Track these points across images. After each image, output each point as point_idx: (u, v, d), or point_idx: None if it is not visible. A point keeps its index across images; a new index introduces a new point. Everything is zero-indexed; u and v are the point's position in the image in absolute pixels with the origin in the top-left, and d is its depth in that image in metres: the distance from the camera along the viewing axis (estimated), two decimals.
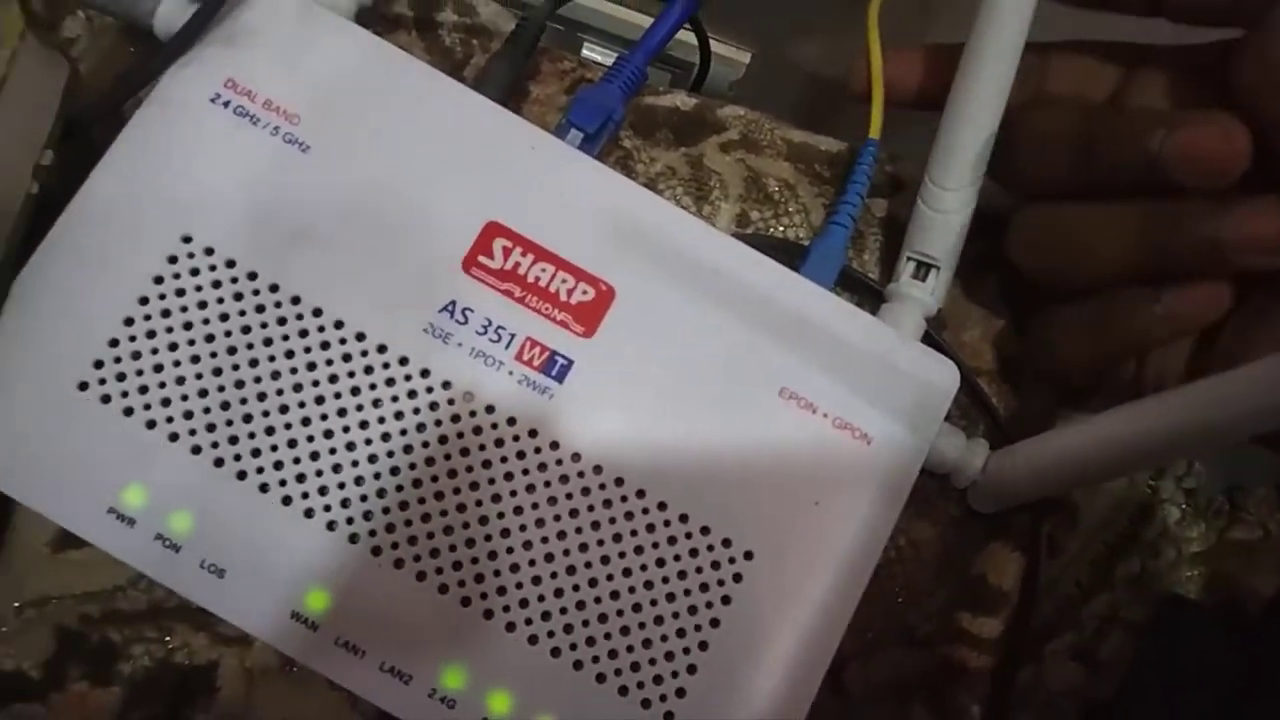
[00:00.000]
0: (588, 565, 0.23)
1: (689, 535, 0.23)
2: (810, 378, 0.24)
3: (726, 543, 0.23)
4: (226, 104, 0.24)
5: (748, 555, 0.23)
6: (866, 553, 0.24)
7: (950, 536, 0.27)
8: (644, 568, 0.23)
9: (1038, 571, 0.25)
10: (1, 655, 0.24)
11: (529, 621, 0.22)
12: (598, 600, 0.23)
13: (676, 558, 0.23)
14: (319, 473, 0.23)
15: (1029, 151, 0.25)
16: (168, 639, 0.25)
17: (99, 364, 0.22)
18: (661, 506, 0.23)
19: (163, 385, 0.23)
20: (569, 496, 0.23)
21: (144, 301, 0.23)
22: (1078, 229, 0.24)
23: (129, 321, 0.23)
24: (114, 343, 0.23)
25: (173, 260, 0.23)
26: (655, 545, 0.23)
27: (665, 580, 0.23)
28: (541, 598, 0.23)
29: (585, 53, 0.50)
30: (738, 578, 0.23)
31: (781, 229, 0.30)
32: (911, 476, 0.24)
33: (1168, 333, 0.24)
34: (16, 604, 0.25)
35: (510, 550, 0.23)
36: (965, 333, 0.30)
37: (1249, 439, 0.19)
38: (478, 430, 0.23)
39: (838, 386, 0.24)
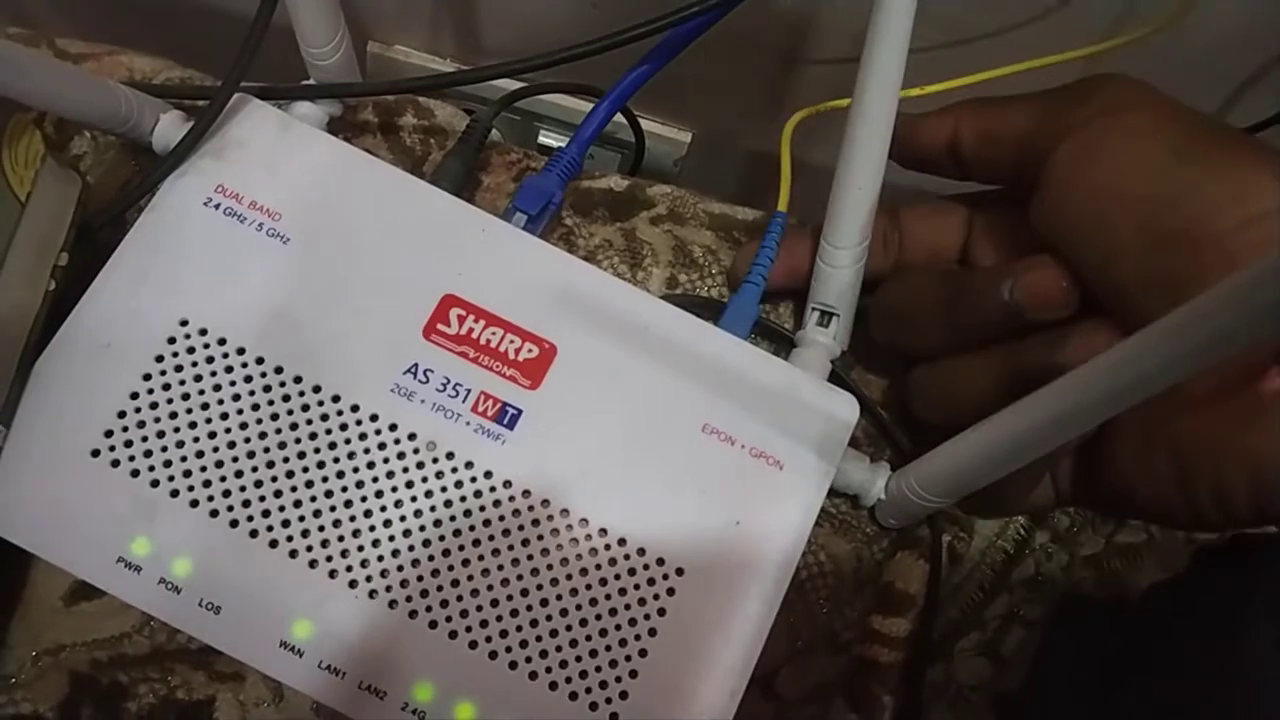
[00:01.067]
0: (539, 587, 0.26)
1: (627, 556, 0.27)
2: (728, 415, 0.28)
3: (660, 561, 0.27)
4: (218, 206, 0.28)
5: (679, 571, 0.27)
6: (784, 564, 0.27)
7: (864, 551, 0.30)
8: (588, 586, 0.26)
9: (939, 575, 0.29)
10: (20, 700, 0.27)
11: (489, 639, 0.26)
12: (549, 617, 0.26)
13: (617, 576, 0.27)
14: (301, 518, 0.26)
15: (903, 325, 0.30)
16: (170, 678, 0.28)
17: (108, 433, 0.26)
18: (602, 532, 0.27)
19: (164, 449, 0.26)
20: (520, 528, 0.27)
21: (147, 378, 0.27)
22: (956, 382, 0.28)
23: (134, 395, 0.26)
24: (121, 414, 0.26)
25: (171, 341, 0.27)
26: (598, 566, 0.26)
27: (608, 596, 0.26)
28: (499, 617, 0.26)
29: (541, 139, 0.55)
30: (671, 592, 0.27)
31: (706, 289, 0.34)
32: (821, 496, 0.28)
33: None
34: (34, 653, 0.28)
35: (470, 577, 0.26)
36: (873, 369, 0.34)
37: None
38: (439, 475, 0.27)
39: (752, 421, 0.28)
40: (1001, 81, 0.33)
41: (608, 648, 0.26)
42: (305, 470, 0.26)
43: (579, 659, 0.26)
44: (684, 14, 0.29)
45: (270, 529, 0.26)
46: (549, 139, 0.55)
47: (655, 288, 0.35)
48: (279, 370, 0.27)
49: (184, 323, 0.27)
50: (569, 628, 0.26)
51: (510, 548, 0.26)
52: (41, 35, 0.33)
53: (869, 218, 0.30)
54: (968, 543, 0.30)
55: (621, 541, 0.27)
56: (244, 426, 0.27)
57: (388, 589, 0.26)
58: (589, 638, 0.26)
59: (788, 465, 0.28)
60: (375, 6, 0.49)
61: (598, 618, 0.26)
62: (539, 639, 0.26)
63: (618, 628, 0.26)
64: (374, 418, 0.27)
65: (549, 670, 0.26)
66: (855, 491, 0.29)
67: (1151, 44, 0.34)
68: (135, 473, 0.26)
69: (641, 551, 0.27)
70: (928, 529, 0.30)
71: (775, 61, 0.49)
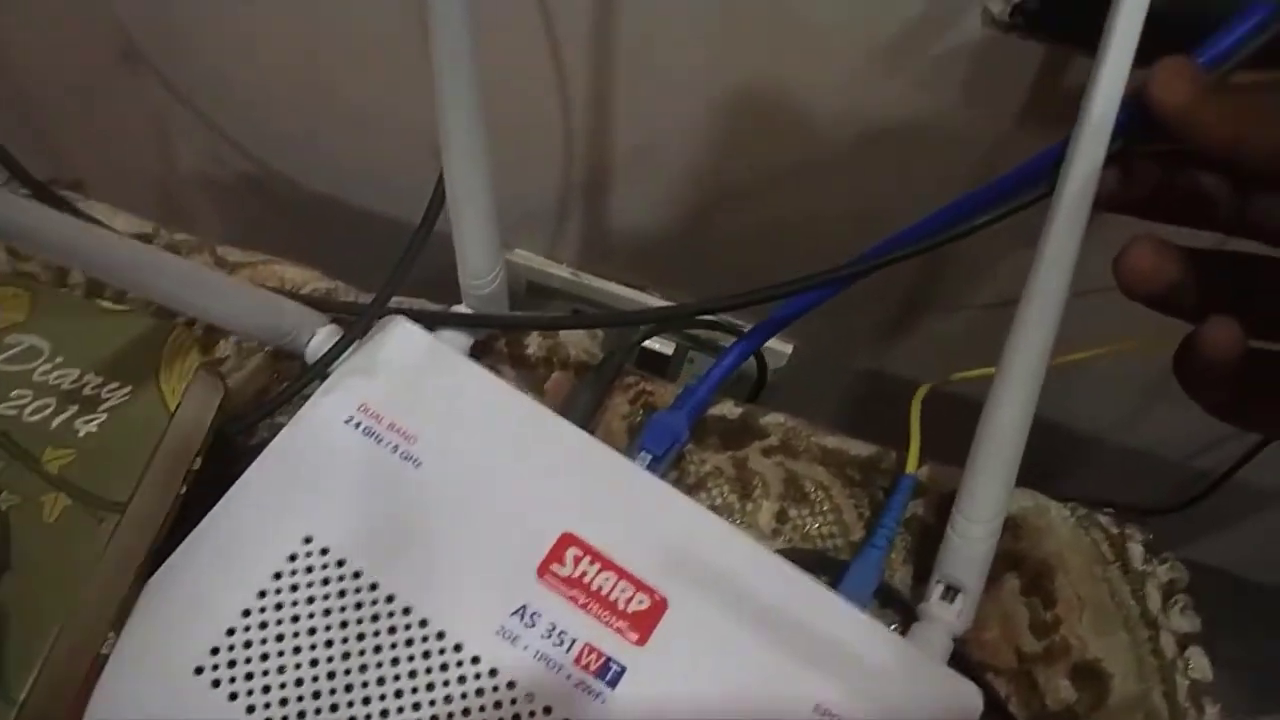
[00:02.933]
0: None
1: None
2: (843, 697, 0.26)
3: None
4: (358, 425, 0.29)
5: None
6: None
7: None
8: None
9: None
10: None
11: None
12: None
13: None
14: None
15: None
16: None
17: (215, 650, 0.26)
18: None
19: (265, 673, 0.26)
20: None
21: (262, 595, 0.26)
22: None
23: (246, 613, 0.26)
24: (231, 631, 0.26)
25: (293, 559, 0.27)
26: None
27: None
28: None
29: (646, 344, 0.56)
30: None
31: (817, 525, 0.33)
32: None
33: None
34: None
35: None
36: (986, 632, 0.32)
37: None
38: None
39: (869, 705, 0.26)
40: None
41: None
42: (400, 711, 0.25)
43: None
44: (845, 272, 0.29)
45: None
46: (653, 344, 0.56)
47: (764, 520, 0.34)
48: (390, 599, 0.27)
49: (308, 540, 0.27)
50: None
51: None
52: (204, 243, 0.36)
53: (1007, 492, 0.29)
54: None
55: None
56: (346, 657, 0.26)
57: None
58: None
59: None
60: (500, 214, 0.52)
61: None
62: None
63: None
64: (475, 660, 0.26)
65: None
66: None
67: None
68: (234, 695, 0.25)
69: None
70: None
71: (878, 294, 0.49)
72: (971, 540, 0.29)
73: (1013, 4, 0.31)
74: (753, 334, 0.32)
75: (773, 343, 0.57)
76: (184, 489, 0.27)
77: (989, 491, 0.29)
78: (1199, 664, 0.33)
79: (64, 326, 0.27)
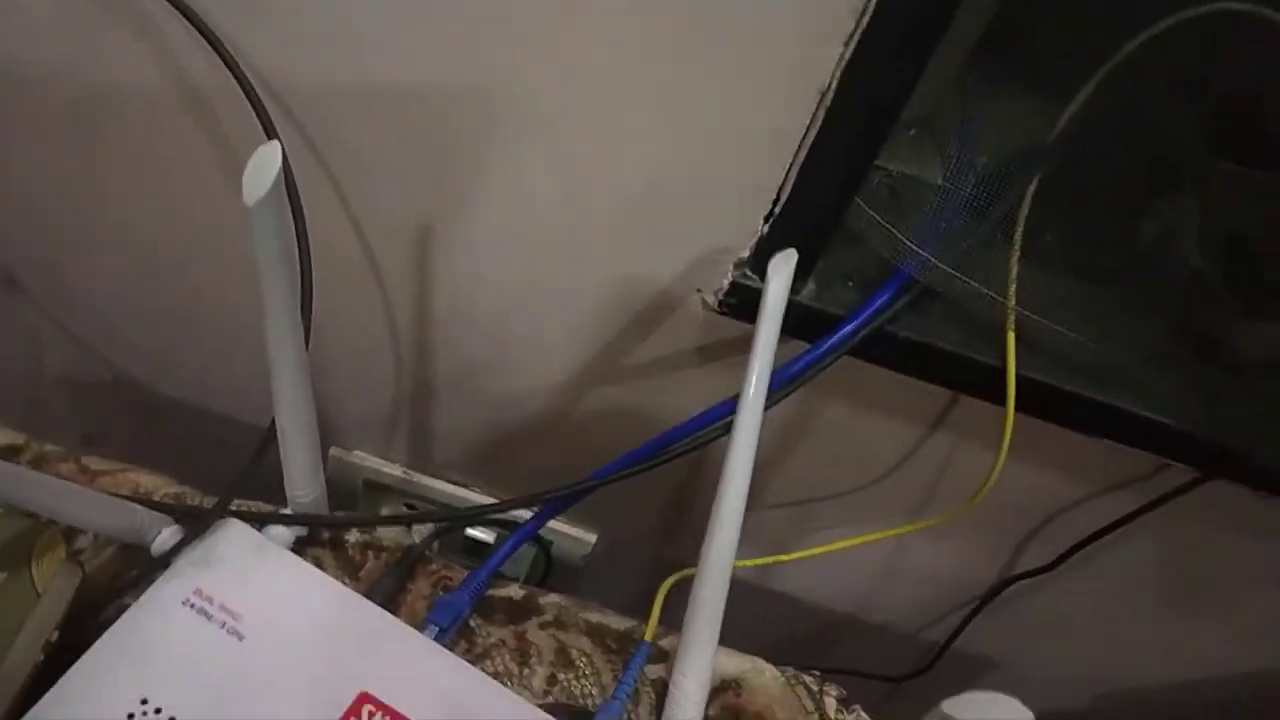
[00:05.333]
0: None
1: None
2: None
3: None
4: (193, 606, 0.36)
5: None
6: None
7: None
8: None
9: None
10: None
11: None
12: None
13: None
14: None
15: None
16: None
17: None
18: None
19: None
20: None
21: None
22: None
23: None
24: None
25: (130, 717, 0.33)
26: None
27: None
28: None
29: (469, 532, 0.64)
30: None
31: (581, 686, 0.41)
32: None
33: None
34: None
35: None
36: None
37: None
38: None
39: None
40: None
41: None
42: None
43: None
44: (572, 488, 0.40)
45: None
46: (476, 531, 0.64)
47: (538, 683, 0.41)
48: None
49: (144, 701, 0.33)
50: None
51: None
52: (70, 453, 0.43)
53: (711, 652, 0.38)
54: None
55: None
56: None
57: None
58: None
59: None
60: (339, 420, 0.60)
61: None
62: None
63: None
64: None
65: None
66: None
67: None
68: None
69: None
70: None
71: (669, 492, 0.60)
72: (685, 690, 0.38)
73: (720, 299, 0.44)
74: (518, 531, 0.42)
75: (577, 532, 0.66)
76: (42, 656, 0.33)
77: (697, 652, 0.38)
78: None
79: None
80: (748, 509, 0.38)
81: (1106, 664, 0.68)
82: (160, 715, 0.33)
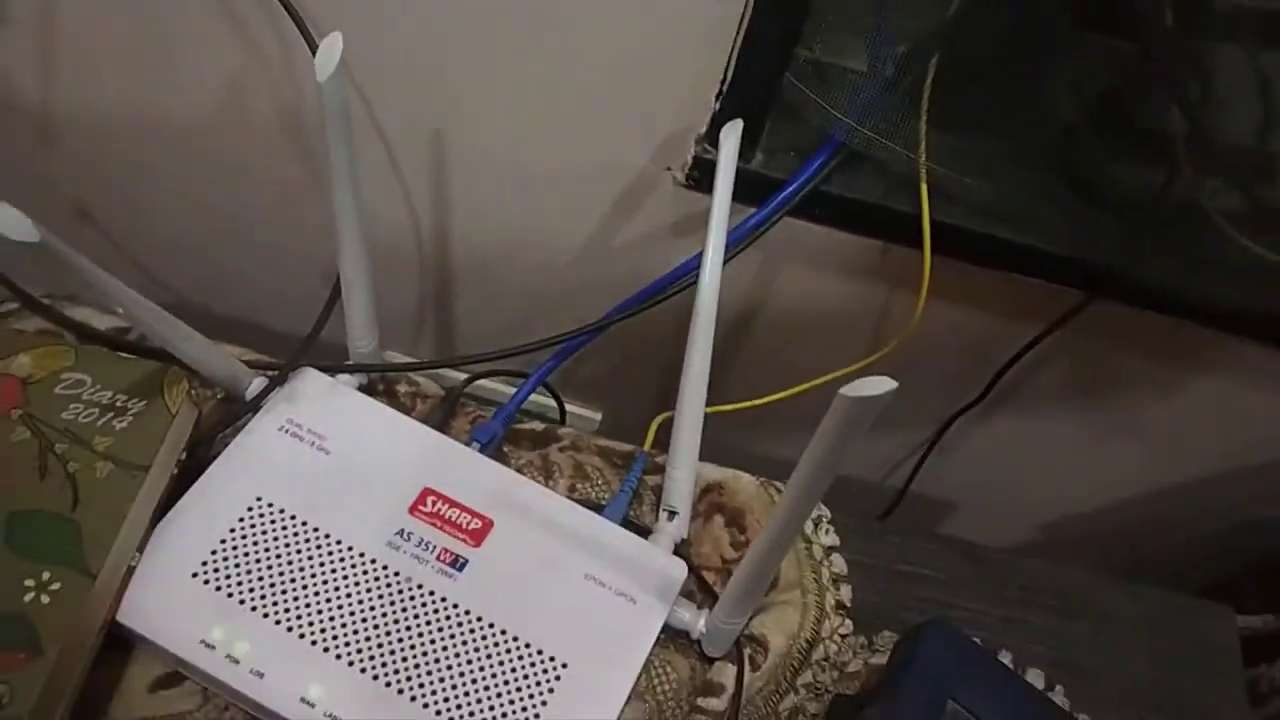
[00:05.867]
0: (472, 669, 0.40)
1: (533, 654, 0.41)
2: (602, 569, 0.44)
3: (553, 659, 0.41)
4: (287, 430, 0.45)
5: (564, 665, 0.41)
6: (627, 672, 0.42)
7: (695, 664, 0.45)
8: (510, 670, 0.41)
9: (743, 672, 0.44)
10: None
11: (433, 701, 0.39)
12: (480, 690, 0.40)
13: (527, 667, 0.41)
14: (321, 623, 0.40)
15: None
16: None
17: (204, 563, 0.41)
18: (514, 638, 0.41)
19: (238, 574, 0.41)
20: (462, 633, 0.41)
21: (232, 531, 0.42)
22: None
23: (223, 541, 0.42)
24: (213, 552, 0.41)
25: (249, 509, 0.43)
26: (513, 661, 0.41)
27: (516, 681, 0.40)
28: (440, 685, 0.40)
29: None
30: (558, 678, 0.41)
31: (595, 494, 0.52)
32: (660, 621, 0.43)
33: None
34: None
35: (424, 653, 0.40)
36: (704, 549, 0.50)
37: None
38: (413, 598, 0.42)
39: (617, 574, 0.44)
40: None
41: (513, 709, 0.40)
42: (325, 588, 0.41)
43: (481, 713, 0.39)
44: (574, 333, 0.50)
45: (302, 626, 0.40)
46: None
47: (561, 491, 0.51)
48: (315, 530, 0.43)
49: (259, 498, 0.43)
50: (488, 690, 0.40)
51: (454, 641, 0.41)
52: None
53: (695, 449, 0.48)
54: (765, 656, 0.45)
55: (527, 645, 0.41)
56: (290, 561, 0.42)
57: (371, 665, 0.40)
58: (499, 697, 0.40)
59: (640, 601, 0.44)
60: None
61: (507, 685, 0.40)
62: (473, 701, 0.40)
63: (519, 693, 0.40)
64: (373, 561, 0.42)
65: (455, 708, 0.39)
66: (685, 627, 0.45)
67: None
68: (218, 588, 0.40)
69: (540, 652, 0.41)
70: (735, 646, 0.45)
71: (655, 368, 0.70)
72: (677, 481, 0.49)
73: (686, 173, 0.54)
74: (538, 370, 0.52)
75: (585, 411, 0.76)
76: (175, 469, 0.43)
77: (685, 451, 0.48)
78: (837, 562, 0.53)
79: (98, 367, 0.43)
80: (718, 365, 0.48)
81: (1045, 494, 0.78)
82: (272, 507, 0.43)
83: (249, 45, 0.53)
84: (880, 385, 0.29)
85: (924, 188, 0.52)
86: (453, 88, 0.52)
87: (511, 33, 0.48)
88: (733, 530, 0.52)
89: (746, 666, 0.45)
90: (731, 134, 0.47)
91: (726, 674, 0.45)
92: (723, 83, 0.48)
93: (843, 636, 0.49)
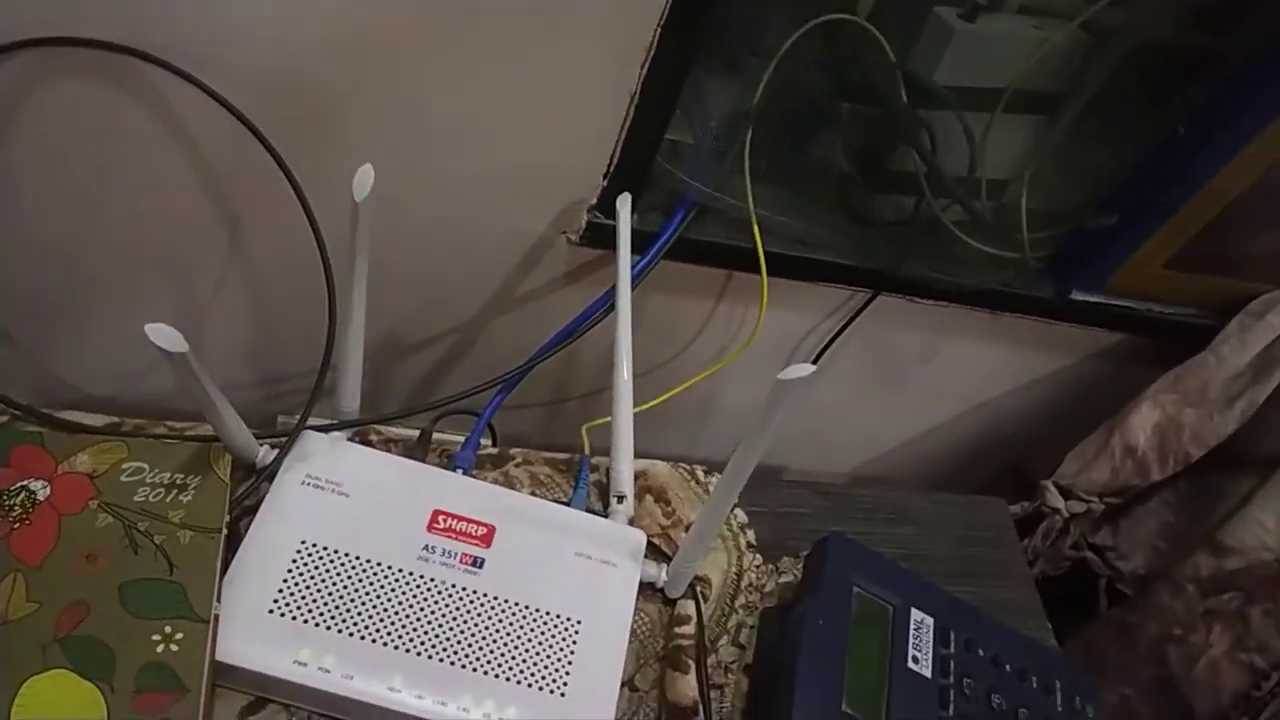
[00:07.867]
0: (512, 639, 0.52)
1: (554, 618, 0.53)
2: (586, 546, 0.57)
3: (570, 618, 0.54)
4: (309, 483, 0.54)
5: (579, 622, 0.54)
6: (624, 619, 0.55)
7: (663, 609, 0.59)
8: (531, 632, 0.52)
9: (700, 606, 0.58)
10: None
11: (490, 669, 0.50)
12: (522, 654, 0.51)
13: (552, 628, 0.53)
14: (385, 627, 0.50)
15: None
16: None
17: (274, 600, 0.49)
18: (537, 610, 0.53)
19: (307, 604, 0.50)
20: (496, 613, 0.52)
21: (289, 571, 0.50)
22: None
23: (285, 580, 0.50)
24: (280, 590, 0.50)
25: (298, 551, 0.51)
26: (540, 626, 0.53)
27: (540, 640, 0.52)
28: (491, 655, 0.51)
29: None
30: (577, 632, 0.53)
31: (553, 495, 0.64)
32: (636, 579, 0.57)
33: None
34: None
35: (475, 639, 0.51)
36: (645, 520, 0.64)
37: None
38: (450, 595, 0.52)
39: (598, 548, 0.57)
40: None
41: (543, 670, 0.52)
42: (379, 601, 0.51)
43: (526, 669, 0.51)
44: (510, 374, 0.62)
45: (373, 632, 0.50)
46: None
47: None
48: (357, 558, 0.52)
49: (303, 541, 0.52)
50: (521, 658, 0.52)
51: (492, 619, 0.52)
52: (159, 419, 0.58)
53: (630, 445, 0.62)
54: (710, 589, 0.60)
55: (548, 612, 0.54)
56: (344, 586, 0.51)
57: (434, 651, 0.50)
58: (527, 661, 0.52)
59: (619, 565, 0.57)
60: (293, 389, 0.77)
61: (533, 651, 0.52)
62: (514, 665, 0.51)
63: (548, 658, 0.52)
64: (410, 574, 0.53)
65: (506, 670, 0.51)
66: (652, 579, 0.59)
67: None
68: (294, 617, 0.49)
69: (559, 615, 0.54)
70: (690, 587, 0.59)
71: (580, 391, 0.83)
72: (621, 472, 0.62)
73: (580, 235, 0.68)
74: (487, 408, 0.64)
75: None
76: (224, 531, 0.51)
77: (624, 448, 0.62)
78: (740, 514, 0.69)
79: (150, 455, 0.49)
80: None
81: (857, 436, 1.00)
82: (316, 546, 0.52)
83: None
84: (803, 370, 0.44)
85: (755, 228, 0.69)
86: (389, 185, 0.63)
87: (434, 130, 0.60)
88: (661, 504, 0.67)
89: (700, 600, 0.60)
90: (624, 204, 0.62)
91: (688, 608, 0.59)
92: (609, 166, 0.63)
93: (758, 566, 0.65)
